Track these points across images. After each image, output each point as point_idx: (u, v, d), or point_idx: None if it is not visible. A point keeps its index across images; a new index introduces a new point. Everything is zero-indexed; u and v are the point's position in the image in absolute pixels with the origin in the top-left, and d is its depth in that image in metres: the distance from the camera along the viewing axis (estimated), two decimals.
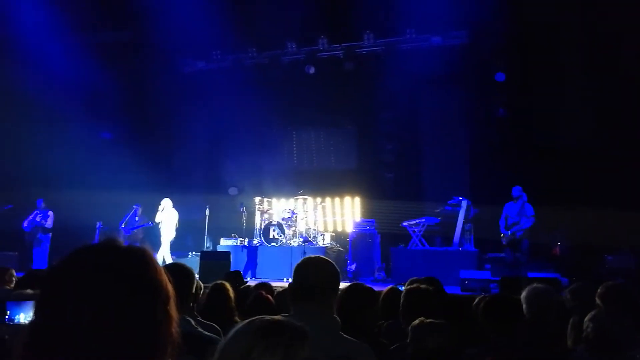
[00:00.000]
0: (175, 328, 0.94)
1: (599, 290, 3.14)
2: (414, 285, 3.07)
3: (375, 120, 11.97)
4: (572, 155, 9.28)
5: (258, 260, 10.04)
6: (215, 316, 3.12)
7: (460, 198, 9.52)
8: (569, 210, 8.24)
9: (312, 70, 11.72)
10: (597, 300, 3.07)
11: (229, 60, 12.36)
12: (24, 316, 2.14)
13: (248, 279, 8.28)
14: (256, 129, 12.70)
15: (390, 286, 3.85)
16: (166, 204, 9.89)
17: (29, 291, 2.30)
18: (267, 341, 1.03)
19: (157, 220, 9.86)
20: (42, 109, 11.25)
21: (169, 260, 9.47)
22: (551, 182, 9.26)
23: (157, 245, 9.66)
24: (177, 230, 10.01)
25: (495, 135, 10.60)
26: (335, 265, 2.06)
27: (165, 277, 0.94)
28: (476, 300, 3.39)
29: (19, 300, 2.13)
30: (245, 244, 10.49)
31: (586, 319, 2.84)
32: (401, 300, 2.91)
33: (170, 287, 0.95)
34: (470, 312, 3.31)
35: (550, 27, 9.59)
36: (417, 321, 2.24)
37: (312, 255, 2.12)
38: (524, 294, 3.22)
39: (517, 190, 8.42)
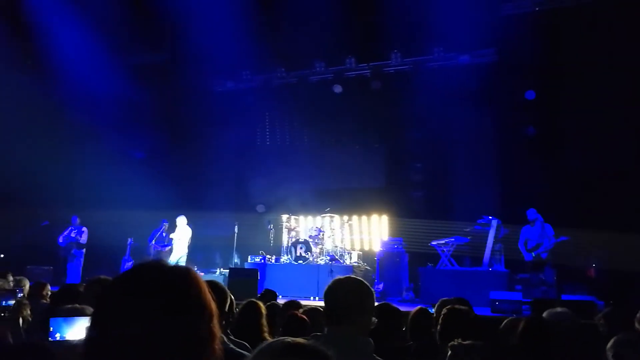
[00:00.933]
0: (218, 345, 0.97)
1: (638, 315, 3.04)
2: (453, 305, 3.03)
3: (403, 138, 11.94)
4: (608, 176, 9.05)
5: (285, 278, 10.06)
6: (246, 334, 3.15)
7: (490, 217, 9.36)
8: (605, 232, 8.02)
9: (339, 90, 11.84)
10: (637, 325, 2.97)
11: (258, 80, 12.60)
12: (68, 332, 2.21)
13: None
14: (284, 147, 12.84)
15: (418, 307, 3.81)
16: (181, 221, 10.14)
17: (74, 306, 2.36)
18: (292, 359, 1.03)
19: (172, 237, 10.12)
20: (78, 128, 11.68)
21: None
22: (586, 203, 9.02)
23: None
24: (204, 247, 10.18)
25: (524, 154, 10.44)
26: (369, 286, 2.04)
27: (209, 296, 0.98)
28: (505, 322, 3.32)
29: (63, 316, 2.20)
30: (273, 261, 10.53)
31: (609, 345, 2.75)
32: (440, 320, 2.87)
33: (214, 306, 0.98)
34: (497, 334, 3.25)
35: (581, 44, 9.46)
36: (455, 342, 2.22)
37: (344, 276, 2.09)
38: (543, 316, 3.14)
39: (532, 213, 8.34)
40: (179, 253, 10.03)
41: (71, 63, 11.54)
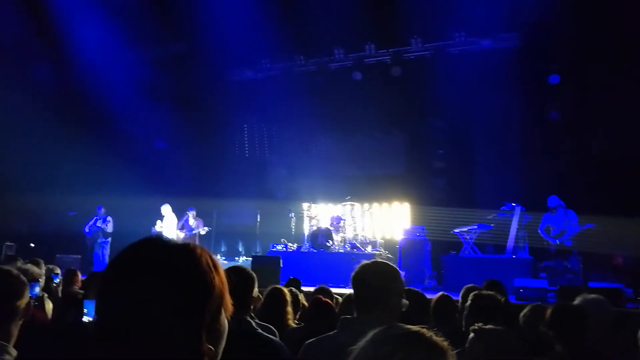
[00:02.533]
0: (223, 321, 0.95)
1: None
2: (481, 291, 3.02)
3: (424, 125, 11.82)
4: (636, 161, 8.81)
5: (306, 266, 10.11)
6: (270, 320, 3.18)
7: (513, 204, 9.23)
8: (633, 219, 7.83)
9: (358, 77, 11.74)
10: None
11: (277, 68, 12.59)
12: None
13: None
14: (305, 135, 12.84)
15: (441, 293, 3.80)
16: (166, 210, 10.37)
17: None
18: (410, 348, 0.99)
19: (157, 227, 10.35)
20: (101, 119, 11.88)
21: None
22: (612, 189, 8.83)
23: None
24: (227, 235, 10.33)
25: (549, 139, 10.24)
26: (397, 269, 2.02)
27: (209, 271, 0.94)
28: (526, 309, 3.28)
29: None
30: (294, 249, 10.60)
31: None
32: (468, 304, 2.85)
33: (218, 281, 0.94)
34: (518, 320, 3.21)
35: (607, 26, 9.18)
36: (476, 326, 2.19)
37: (371, 261, 2.06)
38: (575, 303, 3.09)
39: (553, 200, 8.19)
40: None
41: (93, 55, 11.72)
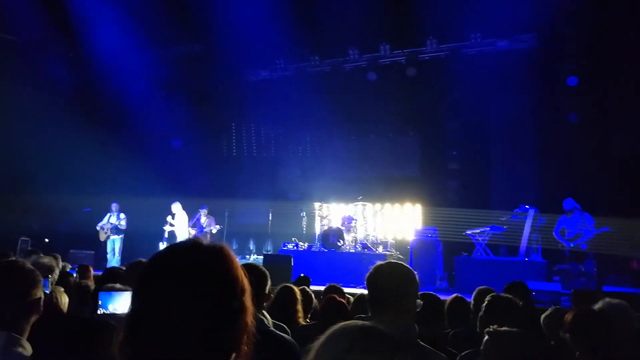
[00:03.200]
0: (250, 319, 1.01)
1: None
2: (498, 294, 3.00)
3: (439, 126, 11.75)
4: None
5: (316, 265, 10.11)
6: (281, 318, 3.19)
7: (527, 206, 9.15)
8: None
9: (372, 77, 11.71)
10: None
11: (292, 69, 12.60)
12: (113, 306, 2.35)
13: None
14: (319, 135, 12.85)
15: (455, 295, 3.77)
16: (176, 208, 10.43)
17: (117, 285, 2.51)
18: (367, 343, 1.03)
19: (168, 225, 10.47)
20: (117, 118, 12.00)
21: None
22: (629, 192, 8.70)
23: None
24: (239, 234, 10.37)
25: (565, 141, 10.12)
26: (412, 270, 2.01)
27: (241, 272, 1.02)
28: (547, 312, 3.24)
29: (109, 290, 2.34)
30: (305, 248, 10.61)
31: None
32: (484, 305, 2.83)
33: (246, 281, 1.03)
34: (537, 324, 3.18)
35: (624, 27, 9.05)
36: (491, 328, 2.18)
37: (385, 261, 2.06)
38: (597, 308, 3.04)
39: (569, 202, 8.10)
40: (181, 238, 10.27)
41: (110, 54, 11.84)
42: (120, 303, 2.36)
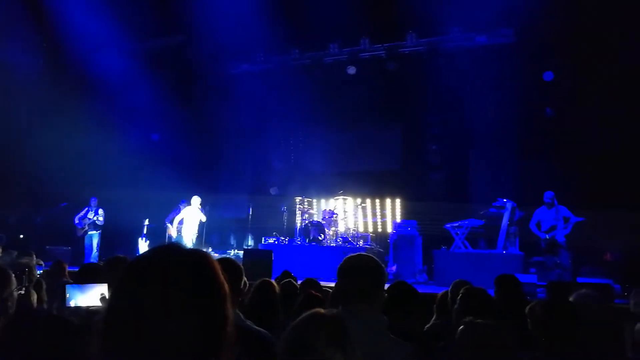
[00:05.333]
0: (231, 327, 1.00)
1: None
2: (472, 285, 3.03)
3: (419, 120, 11.83)
4: (626, 157, 8.87)
5: (297, 259, 10.12)
6: (260, 313, 3.17)
7: (505, 200, 9.28)
8: (623, 215, 7.89)
9: (352, 71, 11.71)
10: None
11: (272, 62, 12.53)
12: (81, 299, 2.32)
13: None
14: (299, 129, 12.82)
15: (445, 290, 3.80)
16: (195, 201, 10.16)
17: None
18: (329, 328, 1.09)
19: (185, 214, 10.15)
20: (95, 111, 11.78)
21: None
22: (603, 186, 8.89)
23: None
24: (219, 228, 10.28)
25: (542, 136, 10.28)
26: (380, 262, 2.04)
27: (222, 279, 1.01)
28: (531, 304, 3.30)
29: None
30: (286, 243, 10.60)
31: (637, 327, 2.71)
32: (458, 298, 2.87)
33: (227, 288, 1.01)
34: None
35: (602, 24, 9.20)
36: (467, 319, 2.21)
37: (356, 254, 2.08)
38: (571, 299, 3.11)
39: (550, 195, 8.23)
40: (191, 231, 10.10)
41: (88, 47, 11.60)
42: (88, 296, 2.32)
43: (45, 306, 2.81)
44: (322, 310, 1.24)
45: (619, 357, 2.88)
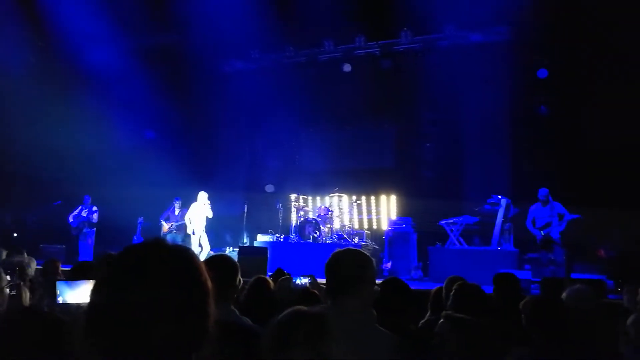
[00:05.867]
0: (211, 322, 1.00)
1: None
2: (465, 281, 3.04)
3: (414, 118, 11.84)
4: (621, 155, 8.91)
5: (293, 257, 10.11)
6: (254, 310, 3.17)
7: (499, 197, 9.32)
8: (617, 212, 7.93)
9: (347, 68, 11.71)
10: None
11: (267, 59, 12.50)
12: (71, 295, 2.32)
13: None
14: (294, 126, 12.79)
15: (440, 286, 3.81)
16: (202, 197, 10.05)
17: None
18: (311, 325, 1.10)
19: (198, 213, 10.07)
20: (89, 108, 11.71)
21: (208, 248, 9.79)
22: (598, 183, 8.92)
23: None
24: (214, 226, 10.25)
25: (537, 133, 10.31)
26: (369, 256, 2.03)
27: (206, 275, 1.01)
28: (524, 300, 3.31)
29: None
30: (282, 240, 10.60)
31: (628, 322, 2.73)
32: (451, 294, 2.88)
33: (209, 285, 1.01)
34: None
35: (596, 21, 9.23)
36: (444, 313, 2.22)
37: (344, 249, 2.07)
38: (564, 295, 3.13)
39: (544, 192, 8.27)
40: (198, 227, 10.01)
41: (82, 44, 11.52)
42: (77, 293, 2.32)
43: (36, 303, 2.81)
44: (303, 308, 1.27)
45: (611, 351, 2.90)
